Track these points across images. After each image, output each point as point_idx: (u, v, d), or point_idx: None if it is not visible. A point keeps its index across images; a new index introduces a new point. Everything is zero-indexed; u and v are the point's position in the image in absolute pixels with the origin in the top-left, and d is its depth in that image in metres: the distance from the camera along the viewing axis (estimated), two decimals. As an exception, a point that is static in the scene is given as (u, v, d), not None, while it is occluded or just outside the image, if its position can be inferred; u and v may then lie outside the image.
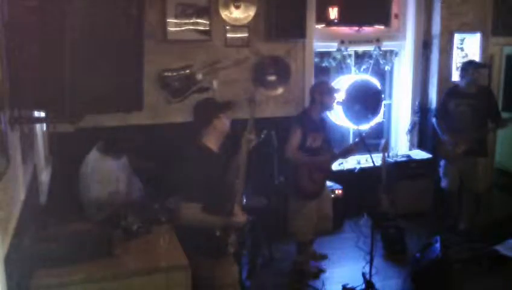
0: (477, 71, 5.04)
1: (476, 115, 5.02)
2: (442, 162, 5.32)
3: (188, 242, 2.89)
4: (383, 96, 5.83)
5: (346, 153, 4.47)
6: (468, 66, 5.07)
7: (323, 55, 5.65)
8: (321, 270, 4.51)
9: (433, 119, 5.45)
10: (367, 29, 5.82)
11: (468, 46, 6.06)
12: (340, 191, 5.36)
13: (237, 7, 5.02)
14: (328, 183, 5.10)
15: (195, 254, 2.81)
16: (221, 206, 2.97)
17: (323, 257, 4.61)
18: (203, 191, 2.84)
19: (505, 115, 7.10)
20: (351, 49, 5.75)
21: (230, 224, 2.99)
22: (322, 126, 4.35)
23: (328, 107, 4.31)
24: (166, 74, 4.85)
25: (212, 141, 3.01)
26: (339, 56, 5.62)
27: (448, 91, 5.32)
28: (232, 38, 5.08)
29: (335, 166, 4.93)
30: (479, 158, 5.14)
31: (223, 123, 3.02)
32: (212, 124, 2.99)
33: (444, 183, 5.30)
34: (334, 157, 4.44)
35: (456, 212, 5.35)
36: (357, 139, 4.42)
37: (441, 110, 5.34)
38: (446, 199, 5.40)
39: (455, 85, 5.37)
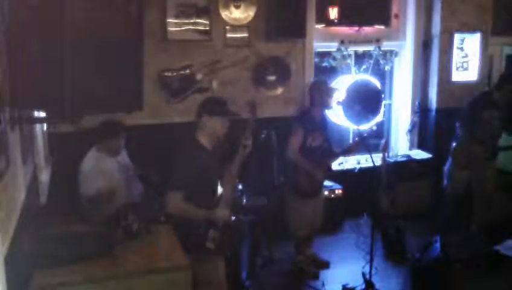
0: None
1: (502, 127, 4.92)
2: (449, 165, 5.11)
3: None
4: (383, 96, 5.83)
5: (347, 152, 4.47)
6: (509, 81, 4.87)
7: (323, 55, 5.65)
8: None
9: (457, 124, 5.12)
10: (367, 29, 5.82)
11: (468, 46, 6.07)
12: (340, 191, 5.36)
13: (237, 7, 5.02)
14: (328, 183, 5.11)
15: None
16: (204, 201, 3.01)
17: (325, 264, 4.60)
18: (187, 181, 2.91)
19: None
20: (351, 49, 5.74)
21: (211, 218, 3.01)
22: (323, 125, 4.36)
23: (327, 106, 4.32)
24: (166, 74, 4.84)
25: (204, 138, 3.06)
26: (339, 56, 5.62)
27: (481, 100, 5.01)
28: (232, 38, 5.07)
29: (335, 166, 4.93)
30: (492, 161, 5.06)
31: (215, 124, 3.03)
32: (201, 121, 3.04)
33: (449, 186, 5.14)
34: (335, 156, 4.45)
35: (460, 214, 5.28)
36: (357, 139, 4.42)
37: (470, 118, 4.97)
38: (449, 201, 5.26)
39: (487, 93, 5.09)
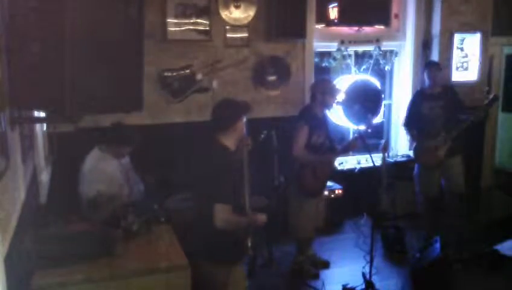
0: (436, 71, 4.93)
1: (448, 114, 4.89)
2: (416, 169, 5.11)
3: (204, 249, 2.85)
4: (383, 96, 5.83)
5: (348, 148, 4.48)
6: (430, 67, 4.99)
7: (323, 55, 5.65)
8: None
9: (404, 128, 5.24)
10: (367, 29, 5.83)
11: (468, 46, 6.07)
12: (340, 191, 5.36)
13: (237, 7, 5.02)
14: (328, 183, 5.11)
15: (210, 261, 2.81)
16: (239, 206, 2.93)
17: (325, 263, 4.61)
18: (232, 192, 2.82)
19: (505, 115, 7.12)
20: (351, 49, 5.75)
21: (255, 224, 2.94)
22: (324, 123, 4.37)
23: (329, 106, 4.33)
24: (166, 74, 4.85)
25: (230, 142, 2.96)
26: (339, 56, 5.62)
27: (417, 96, 5.14)
28: (232, 38, 5.08)
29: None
30: (457, 158, 4.98)
31: (241, 125, 2.98)
32: (235, 126, 2.93)
33: (424, 190, 5.10)
34: (337, 154, 4.45)
35: (438, 216, 5.21)
36: (356, 135, 4.44)
37: (412, 117, 5.07)
38: (426, 205, 5.18)
39: (421, 89, 5.25)
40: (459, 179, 5.03)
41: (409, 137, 5.13)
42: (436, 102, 4.92)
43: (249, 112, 3.04)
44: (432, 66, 5.02)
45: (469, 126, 4.85)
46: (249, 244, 2.92)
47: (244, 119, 3.00)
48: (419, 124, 5.00)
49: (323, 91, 4.21)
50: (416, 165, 5.17)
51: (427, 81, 5.00)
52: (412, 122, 5.10)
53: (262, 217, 2.99)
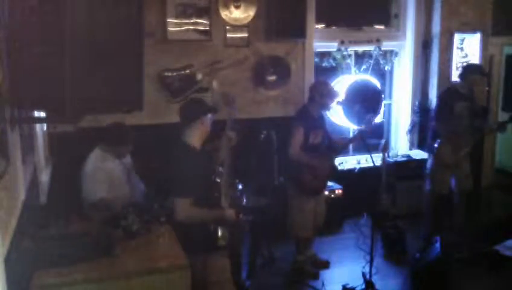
0: (480, 78, 4.93)
1: (474, 117, 4.91)
2: (432, 165, 5.07)
3: (180, 238, 2.96)
4: (383, 96, 5.83)
5: (346, 146, 4.48)
6: (473, 71, 4.91)
7: (323, 55, 5.65)
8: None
9: (433, 123, 5.14)
10: (367, 29, 5.83)
11: (468, 46, 6.07)
12: (340, 191, 5.36)
13: (237, 7, 5.02)
14: (328, 183, 5.12)
15: (187, 250, 2.85)
16: (207, 201, 3.08)
17: (325, 264, 4.60)
18: (191, 186, 2.97)
19: (505, 114, 7.12)
20: (351, 49, 5.74)
21: (221, 218, 3.09)
22: (322, 123, 4.39)
23: (327, 107, 4.34)
24: (166, 74, 4.85)
25: (194, 139, 3.12)
26: (339, 56, 5.62)
27: (450, 94, 5.01)
28: (232, 38, 5.08)
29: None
30: (467, 159, 5.05)
31: (204, 123, 3.13)
32: (195, 124, 3.09)
33: (436, 187, 5.07)
34: (336, 152, 4.46)
35: (446, 215, 5.25)
36: (355, 133, 4.44)
37: (443, 114, 4.94)
38: (434, 204, 5.13)
39: (454, 87, 5.10)
40: (469, 179, 5.09)
41: (439, 134, 4.99)
42: (465, 102, 4.89)
43: (212, 111, 3.17)
44: (479, 71, 4.94)
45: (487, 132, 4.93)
46: (219, 235, 3.07)
47: (208, 120, 3.11)
48: (447, 122, 4.91)
49: (321, 93, 4.23)
50: (430, 162, 5.09)
51: (460, 81, 4.96)
52: (442, 120, 4.96)
53: (229, 212, 3.14)
